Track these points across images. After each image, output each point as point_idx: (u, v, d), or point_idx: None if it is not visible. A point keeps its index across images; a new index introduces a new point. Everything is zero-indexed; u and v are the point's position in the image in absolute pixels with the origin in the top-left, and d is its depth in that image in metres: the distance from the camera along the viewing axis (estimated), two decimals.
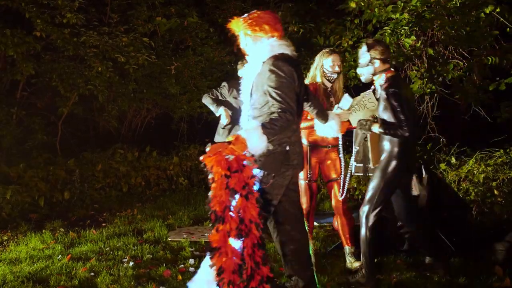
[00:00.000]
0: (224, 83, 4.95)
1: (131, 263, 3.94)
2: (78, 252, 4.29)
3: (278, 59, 2.75)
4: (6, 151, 6.29)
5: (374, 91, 3.58)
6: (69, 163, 6.17)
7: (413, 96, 3.49)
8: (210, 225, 5.09)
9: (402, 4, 5.24)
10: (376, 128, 3.32)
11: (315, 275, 3.10)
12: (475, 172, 4.99)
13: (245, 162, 2.52)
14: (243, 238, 2.52)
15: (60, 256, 4.17)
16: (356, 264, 3.69)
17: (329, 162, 3.90)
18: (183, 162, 6.80)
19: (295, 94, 2.77)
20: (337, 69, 3.80)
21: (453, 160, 5.38)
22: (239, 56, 7.08)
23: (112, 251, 4.31)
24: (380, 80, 3.40)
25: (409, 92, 3.44)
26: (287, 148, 2.82)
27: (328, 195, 6.08)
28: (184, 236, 4.73)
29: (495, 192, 4.67)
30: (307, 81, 3.81)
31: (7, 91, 6.75)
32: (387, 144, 3.36)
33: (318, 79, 3.84)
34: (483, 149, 5.35)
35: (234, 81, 4.72)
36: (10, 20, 6.16)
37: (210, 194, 2.52)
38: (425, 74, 5.42)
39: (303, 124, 3.56)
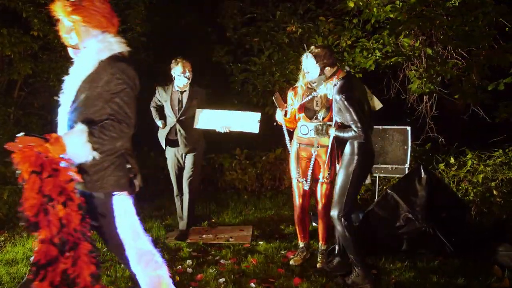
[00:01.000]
0: (157, 88, 4.68)
1: None
2: None
3: (120, 61, 2.42)
4: (3, 151, 6.24)
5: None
6: None
7: (366, 96, 3.50)
8: (206, 224, 5.12)
9: (401, 3, 5.23)
10: (332, 132, 3.40)
11: None
12: (473, 172, 4.98)
13: (62, 164, 2.23)
14: (70, 250, 2.22)
15: None
16: (319, 265, 3.83)
17: (317, 163, 3.90)
18: None
19: (135, 102, 2.47)
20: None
21: (452, 160, 5.36)
22: (238, 55, 7.11)
23: (109, 251, 4.28)
24: (334, 82, 3.41)
25: (361, 92, 3.44)
26: (128, 166, 2.56)
27: None
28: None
29: (494, 192, 4.66)
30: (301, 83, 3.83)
31: (5, 91, 6.71)
32: (347, 145, 3.39)
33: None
34: (482, 149, 5.34)
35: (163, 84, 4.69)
36: (7, 19, 6.13)
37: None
38: (424, 74, 5.40)
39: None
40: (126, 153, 2.54)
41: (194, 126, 4.43)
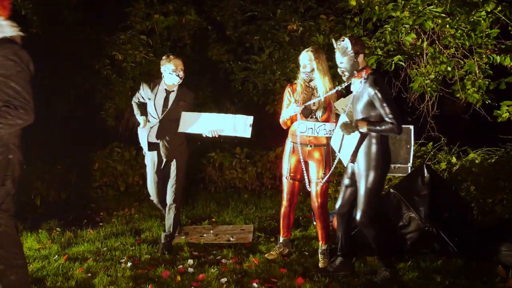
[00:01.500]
0: (142, 84, 4.39)
1: (129, 264, 3.88)
2: (75, 252, 4.23)
3: (10, 43, 2.32)
4: None
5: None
6: (65, 161, 6.09)
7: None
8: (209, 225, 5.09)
9: (403, 2, 5.19)
10: (364, 128, 3.26)
11: None
12: (476, 171, 4.95)
13: None
14: None
15: (56, 256, 4.11)
16: (320, 265, 3.79)
17: (311, 162, 3.88)
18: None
19: (30, 87, 2.34)
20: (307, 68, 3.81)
21: (454, 159, 5.34)
22: (238, 54, 7.06)
23: (110, 251, 4.25)
24: (362, 79, 3.33)
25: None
26: (10, 156, 2.39)
27: (331, 195, 6.07)
28: (183, 236, 4.67)
29: (497, 191, 4.62)
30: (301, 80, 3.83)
31: None
32: (371, 147, 3.30)
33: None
34: (484, 148, 5.32)
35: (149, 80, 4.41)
36: None
37: None
38: (426, 72, 5.37)
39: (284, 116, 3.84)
40: (11, 148, 2.36)
41: (179, 130, 4.12)
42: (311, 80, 3.81)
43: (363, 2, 5.48)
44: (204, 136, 4.10)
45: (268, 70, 6.53)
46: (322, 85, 3.74)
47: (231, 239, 4.58)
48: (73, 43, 6.20)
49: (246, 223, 5.17)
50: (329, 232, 4.01)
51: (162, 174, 4.32)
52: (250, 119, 4.01)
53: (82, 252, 4.22)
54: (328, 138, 3.79)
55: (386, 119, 3.17)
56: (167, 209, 4.28)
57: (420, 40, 5.54)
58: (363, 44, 3.39)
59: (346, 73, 3.38)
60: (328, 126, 3.79)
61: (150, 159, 4.32)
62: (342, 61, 3.37)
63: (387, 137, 3.37)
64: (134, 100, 4.39)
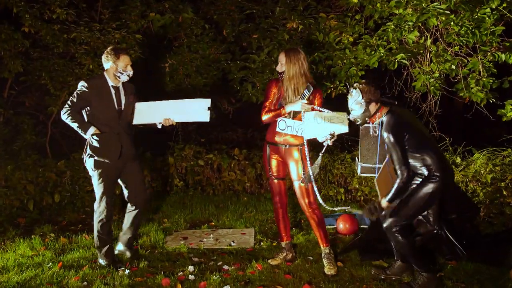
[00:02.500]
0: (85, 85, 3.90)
1: (127, 271, 3.73)
2: (70, 259, 4.06)
3: None
4: None
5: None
6: (59, 164, 5.91)
7: (416, 121, 3.53)
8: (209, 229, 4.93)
9: None
10: (386, 204, 3.29)
11: None
12: (482, 172, 4.83)
13: None
14: None
15: (50, 263, 3.94)
16: (327, 271, 3.64)
17: (290, 162, 3.82)
18: (178, 163, 6.58)
19: None
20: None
21: (459, 160, 5.22)
22: (236, 52, 6.92)
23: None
24: (379, 120, 3.42)
25: (410, 119, 3.45)
26: None
27: (328, 197, 5.95)
28: (182, 241, 4.52)
29: (504, 192, 4.52)
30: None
31: None
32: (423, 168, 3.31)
33: None
34: (489, 148, 5.20)
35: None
36: None
37: None
38: (429, 71, 5.26)
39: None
40: None
41: (134, 123, 3.91)
42: (358, 121, 3.76)
43: None
44: (160, 126, 3.88)
45: (267, 69, 6.38)
46: (290, 89, 3.72)
47: (232, 243, 4.44)
48: (66, 42, 6.03)
49: (246, 226, 5.02)
50: (327, 233, 3.87)
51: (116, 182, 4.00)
52: (208, 102, 3.83)
53: (77, 259, 4.05)
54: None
55: (395, 165, 3.22)
56: (130, 215, 4.09)
57: (423, 38, 5.42)
58: (374, 92, 3.39)
59: (358, 120, 3.47)
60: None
61: (105, 166, 3.81)
62: (354, 109, 3.44)
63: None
64: (71, 109, 3.72)
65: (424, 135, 3.38)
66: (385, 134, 3.28)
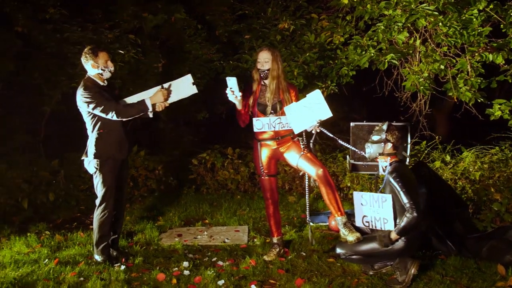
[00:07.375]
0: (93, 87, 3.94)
1: (123, 267, 3.77)
2: (66, 255, 4.10)
3: None
4: None
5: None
6: (53, 163, 5.94)
7: (415, 179, 3.59)
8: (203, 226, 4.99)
9: (395, 0, 5.17)
10: (394, 235, 3.36)
11: None
12: (471, 169, 4.94)
13: None
14: None
15: (46, 260, 3.98)
16: (351, 238, 3.61)
17: (288, 153, 3.93)
18: (171, 162, 6.63)
19: None
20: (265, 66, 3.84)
21: (448, 158, 5.33)
22: (228, 52, 6.98)
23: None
24: (384, 162, 3.54)
25: (412, 176, 3.54)
26: None
27: (321, 195, 6.01)
28: (176, 238, 4.58)
29: (492, 189, 4.62)
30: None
31: None
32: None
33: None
34: (478, 146, 5.31)
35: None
36: None
37: None
38: (419, 71, 5.36)
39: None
40: None
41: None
42: (266, 78, 3.84)
43: (355, 0, 5.45)
44: (151, 115, 3.91)
45: None
46: (274, 85, 3.80)
47: (226, 240, 4.50)
48: (58, 42, 6.05)
49: (240, 224, 5.09)
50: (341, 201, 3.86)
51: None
52: (189, 77, 4.01)
53: (73, 256, 4.09)
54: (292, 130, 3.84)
55: (405, 205, 3.29)
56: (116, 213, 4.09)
57: (412, 38, 5.53)
58: (398, 137, 3.54)
59: (367, 153, 3.61)
60: (283, 119, 3.84)
61: (112, 166, 3.88)
62: (370, 148, 3.58)
63: None
64: (109, 103, 3.78)
65: (418, 196, 3.44)
66: (391, 177, 3.37)
